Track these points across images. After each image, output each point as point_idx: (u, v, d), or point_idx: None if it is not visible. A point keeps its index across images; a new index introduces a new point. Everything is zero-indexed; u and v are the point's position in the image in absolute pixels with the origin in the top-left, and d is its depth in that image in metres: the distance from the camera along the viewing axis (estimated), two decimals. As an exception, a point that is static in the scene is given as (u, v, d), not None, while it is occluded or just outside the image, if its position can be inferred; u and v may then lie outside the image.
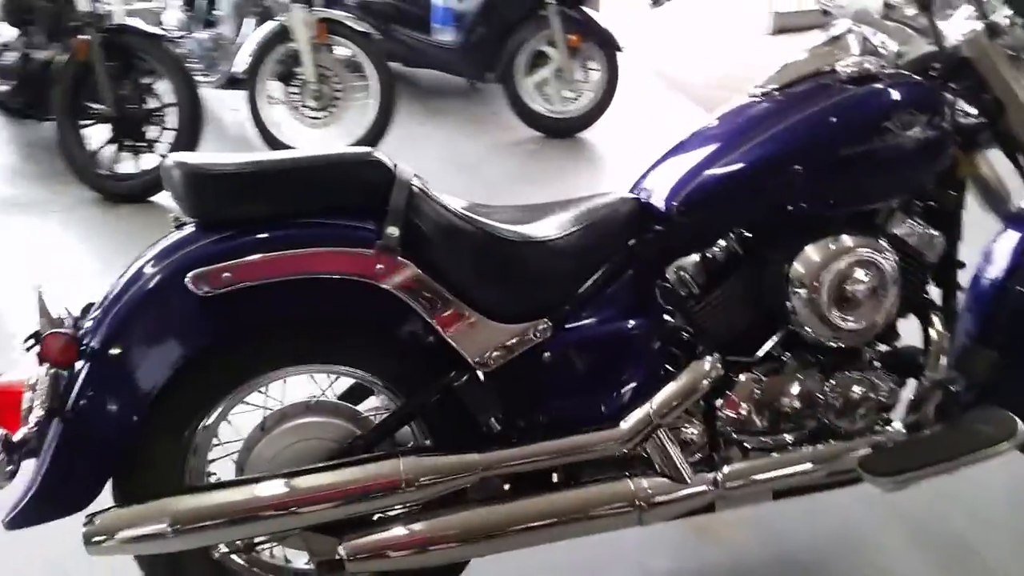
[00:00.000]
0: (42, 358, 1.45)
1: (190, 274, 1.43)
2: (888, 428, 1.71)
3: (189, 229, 1.52)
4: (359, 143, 4.24)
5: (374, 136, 4.22)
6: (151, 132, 4.15)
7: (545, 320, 1.56)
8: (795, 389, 1.67)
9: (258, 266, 1.45)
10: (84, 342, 1.46)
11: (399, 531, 1.50)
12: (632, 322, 1.64)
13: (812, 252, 1.61)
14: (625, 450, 1.57)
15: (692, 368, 1.61)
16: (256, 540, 1.60)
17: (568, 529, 1.56)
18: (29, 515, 1.45)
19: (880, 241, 1.65)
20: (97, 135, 4.18)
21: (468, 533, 1.51)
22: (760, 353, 1.69)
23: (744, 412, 1.66)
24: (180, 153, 1.53)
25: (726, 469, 1.62)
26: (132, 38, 3.98)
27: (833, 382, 1.67)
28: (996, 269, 1.87)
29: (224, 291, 1.44)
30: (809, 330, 1.63)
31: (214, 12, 4.94)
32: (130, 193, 4.09)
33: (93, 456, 1.47)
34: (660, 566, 1.91)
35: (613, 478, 1.58)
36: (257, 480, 1.50)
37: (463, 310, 1.52)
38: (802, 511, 1.99)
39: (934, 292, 1.81)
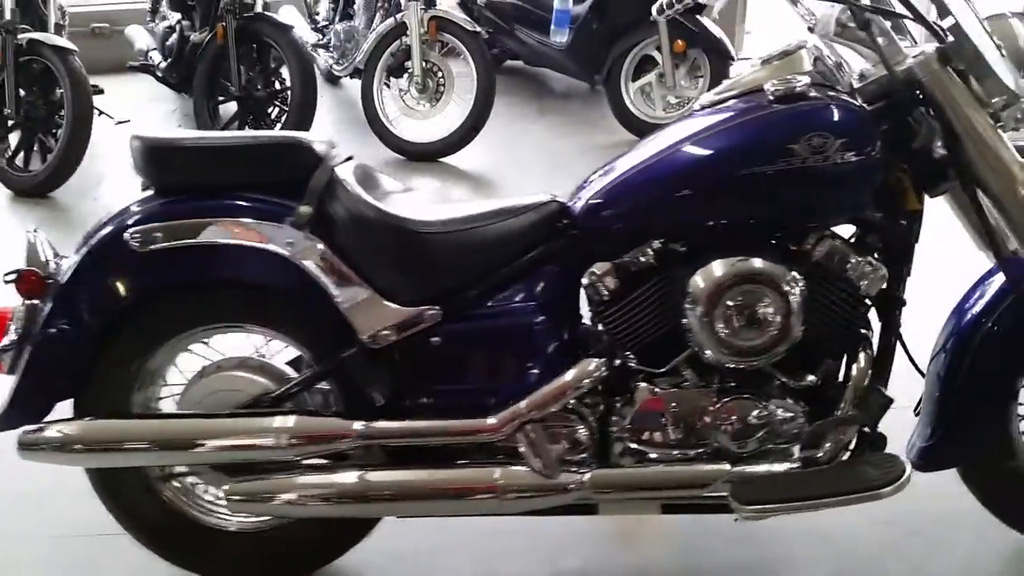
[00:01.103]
0: (18, 291, 1.73)
1: (129, 231, 1.66)
2: (787, 458, 1.65)
3: (148, 193, 1.75)
4: (455, 135, 4.45)
5: (468, 130, 4.40)
6: (275, 113, 4.58)
7: (436, 307, 1.65)
8: (689, 406, 1.66)
9: (183, 229, 1.65)
10: (52, 280, 1.72)
11: (276, 481, 1.66)
12: (534, 320, 1.69)
13: (712, 269, 1.60)
14: (494, 440, 1.63)
15: (574, 369, 1.64)
16: (175, 471, 1.81)
17: (430, 506, 1.66)
18: (3, 421, 1.74)
19: (793, 269, 1.60)
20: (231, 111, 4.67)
21: (335, 494, 1.65)
22: (668, 367, 1.69)
23: (637, 422, 1.67)
24: (143, 130, 1.76)
25: (594, 473, 1.64)
26: (263, 26, 4.40)
27: (729, 405, 1.64)
28: (970, 314, 1.77)
29: (156, 248, 1.66)
30: (703, 348, 1.61)
31: (352, 6, 5.31)
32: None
33: (51, 377, 1.73)
34: (569, 564, 1.94)
35: (481, 463, 1.66)
36: (163, 417, 1.71)
37: (361, 288, 1.65)
38: (733, 537, 1.96)
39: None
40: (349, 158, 1.79)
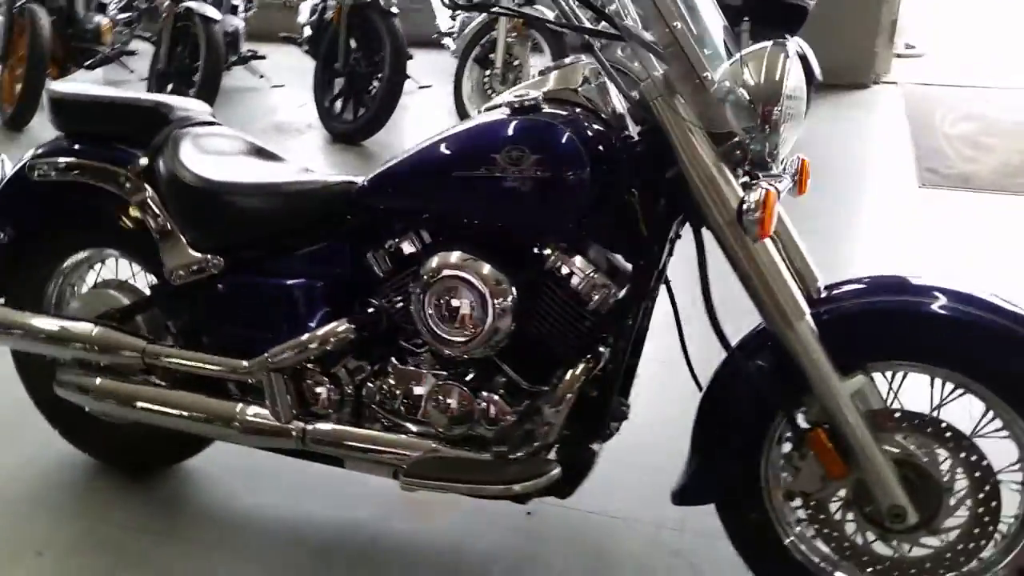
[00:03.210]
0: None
1: (29, 163, 2.09)
2: (484, 450, 1.75)
3: (58, 135, 2.17)
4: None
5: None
6: (374, 90, 5.01)
7: (219, 257, 1.92)
8: (412, 384, 1.79)
9: (57, 166, 2.05)
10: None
11: (87, 380, 2.04)
12: (312, 284, 1.89)
13: (436, 257, 1.71)
14: (250, 380, 1.89)
15: (323, 329, 1.83)
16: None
17: (180, 422, 1.95)
18: None
19: (524, 274, 1.68)
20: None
21: (117, 396, 2.00)
22: (423, 348, 1.84)
23: (379, 390, 1.83)
24: (58, 82, 2.18)
25: (314, 426, 1.84)
26: (369, 11, 4.83)
27: (443, 389, 1.75)
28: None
29: (44, 180, 2.07)
30: (416, 328, 1.75)
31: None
32: (344, 134, 5.01)
33: None
34: (361, 515, 2.14)
35: (233, 396, 1.92)
36: (29, 312, 2.13)
37: (171, 231, 1.96)
38: (520, 527, 2.07)
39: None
40: (208, 123, 2.09)
